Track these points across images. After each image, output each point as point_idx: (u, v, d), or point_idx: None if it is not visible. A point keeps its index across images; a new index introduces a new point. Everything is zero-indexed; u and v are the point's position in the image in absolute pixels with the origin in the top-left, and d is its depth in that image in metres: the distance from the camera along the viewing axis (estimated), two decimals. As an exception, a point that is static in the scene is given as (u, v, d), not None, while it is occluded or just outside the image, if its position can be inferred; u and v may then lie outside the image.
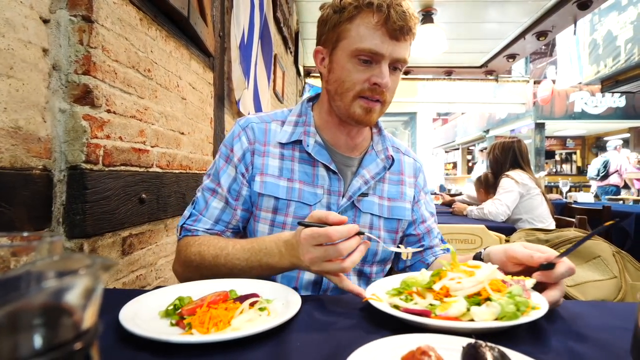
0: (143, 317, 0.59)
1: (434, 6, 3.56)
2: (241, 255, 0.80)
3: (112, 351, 0.51)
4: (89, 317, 0.24)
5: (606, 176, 7.63)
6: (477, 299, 0.60)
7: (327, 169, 0.92)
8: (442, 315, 0.57)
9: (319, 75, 1.00)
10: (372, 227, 0.95)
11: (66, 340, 0.22)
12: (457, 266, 0.69)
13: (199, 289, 0.71)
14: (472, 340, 0.44)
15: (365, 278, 0.97)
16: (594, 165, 8.22)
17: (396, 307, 0.62)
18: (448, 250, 1.12)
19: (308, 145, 0.92)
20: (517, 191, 2.57)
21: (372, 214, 0.95)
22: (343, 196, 0.93)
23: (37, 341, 0.21)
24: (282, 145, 0.94)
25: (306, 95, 3.64)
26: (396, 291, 0.68)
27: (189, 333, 0.54)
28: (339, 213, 0.89)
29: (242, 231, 0.99)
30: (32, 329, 0.21)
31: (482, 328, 0.55)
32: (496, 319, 0.56)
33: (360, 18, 0.82)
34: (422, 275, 0.70)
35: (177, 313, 0.60)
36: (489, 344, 0.43)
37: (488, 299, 0.60)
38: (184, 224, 0.93)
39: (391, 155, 0.98)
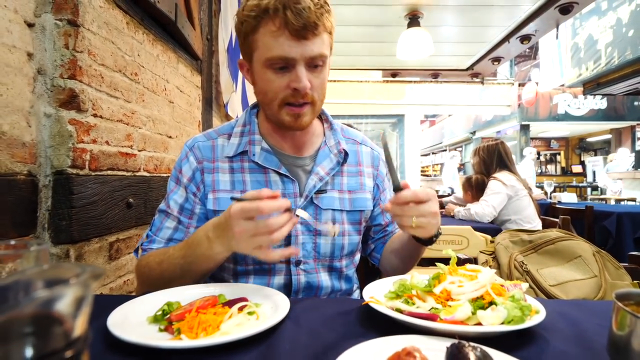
0: (132, 323, 0.59)
1: (421, 10, 3.61)
2: (179, 253, 0.81)
3: (102, 358, 0.51)
4: (79, 325, 0.24)
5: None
6: (481, 302, 0.61)
7: (279, 173, 0.91)
8: (448, 319, 0.57)
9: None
10: (335, 221, 0.95)
11: (57, 348, 0.23)
12: (456, 270, 0.70)
13: (187, 294, 0.72)
14: (456, 341, 0.45)
15: (336, 272, 0.97)
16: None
17: (399, 310, 0.62)
18: None
19: (254, 155, 0.91)
20: (505, 193, 2.61)
21: (333, 210, 0.95)
22: (300, 197, 0.92)
23: (29, 350, 0.22)
24: (230, 158, 0.93)
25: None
26: (394, 294, 0.68)
27: (178, 338, 0.54)
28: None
29: None
30: (24, 338, 0.22)
31: (491, 332, 0.55)
32: (502, 323, 0.57)
33: (262, 27, 0.80)
34: (413, 279, 0.71)
35: (166, 318, 0.60)
36: (471, 344, 0.44)
37: (492, 302, 0.61)
38: (140, 244, 0.94)
39: (343, 149, 0.97)
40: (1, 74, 0.82)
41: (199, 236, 0.78)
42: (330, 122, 1.03)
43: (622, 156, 7.63)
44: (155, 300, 0.68)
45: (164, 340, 0.53)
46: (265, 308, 0.66)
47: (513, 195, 2.62)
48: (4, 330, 0.20)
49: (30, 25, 0.91)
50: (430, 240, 0.87)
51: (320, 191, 0.94)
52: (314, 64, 0.83)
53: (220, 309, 0.62)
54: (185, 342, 0.52)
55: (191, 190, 0.92)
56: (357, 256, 1.04)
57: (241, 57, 0.92)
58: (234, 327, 0.56)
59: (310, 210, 0.93)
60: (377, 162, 1.06)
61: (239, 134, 0.96)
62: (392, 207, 0.76)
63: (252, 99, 2.91)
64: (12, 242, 0.39)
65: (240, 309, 0.62)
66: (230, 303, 0.64)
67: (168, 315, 0.61)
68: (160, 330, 0.59)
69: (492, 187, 2.65)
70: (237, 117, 2.45)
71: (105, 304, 0.70)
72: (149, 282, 0.86)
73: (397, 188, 0.77)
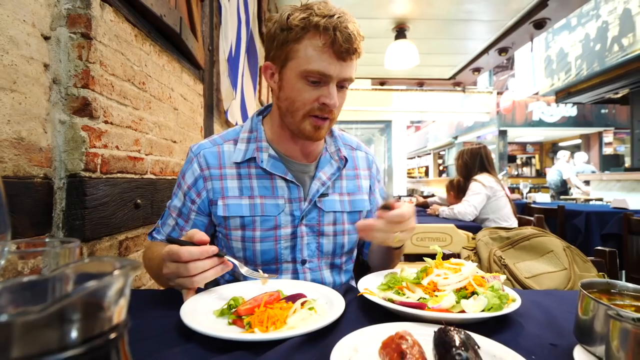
0: (201, 316, 0.60)
1: (407, 23, 3.66)
2: (156, 262, 0.83)
3: (176, 348, 0.51)
4: (120, 312, 0.26)
5: (565, 192, 7.59)
6: (464, 292, 0.64)
7: (285, 179, 0.91)
8: (435, 307, 0.60)
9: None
10: (336, 222, 0.96)
11: (103, 331, 0.25)
12: (442, 264, 0.73)
13: (245, 289, 0.72)
14: (442, 326, 0.48)
15: (337, 269, 1.00)
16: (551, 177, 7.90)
17: (391, 300, 0.64)
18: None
19: (262, 161, 0.91)
20: (485, 193, 2.67)
21: (334, 212, 0.96)
22: (305, 200, 0.93)
23: (80, 332, 0.24)
24: (238, 164, 0.92)
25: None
26: (386, 286, 0.71)
27: (251, 331, 0.55)
28: (302, 216, 0.92)
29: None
30: (76, 322, 0.23)
31: (473, 318, 0.59)
32: (483, 310, 0.60)
33: (307, 39, 0.80)
34: (403, 273, 0.74)
35: (234, 312, 0.61)
36: (456, 328, 0.47)
37: (474, 292, 0.64)
38: (152, 231, 0.99)
39: (344, 156, 0.99)
40: (20, 84, 0.83)
41: (160, 255, 0.76)
42: (331, 129, 1.04)
43: (579, 160, 7.75)
44: (217, 295, 0.70)
45: (240, 333, 0.54)
46: (320, 303, 0.67)
47: (492, 195, 2.68)
48: (62, 315, 0.22)
49: (46, 38, 0.92)
50: (397, 248, 0.91)
51: (323, 195, 0.95)
52: (342, 84, 0.85)
53: (284, 304, 0.62)
54: (258, 335, 0.53)
55: (190, 197, 0.92)
56: (355, 253, 1.07)
57: (268, 61, 0.90)
58: (300, 322, 0.57)
59: (314, 213, 0.94)
60: (371, 165, 1.09)
61: (245, 140, 0.94)
62: (379, 225, 0.76)
63: (250, 106, 2.91)
64: (48, 240, 0.40)
65: (302, 304, 0.63)
66: (291, 298, 0.65)
67: (235, 310, 0.61)
68: (229, 323, 0.60)
69: (473, 188, 2.71)
70: (237, 123, 2.46)
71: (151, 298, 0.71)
72: (148, 270, 0.91)
73: (387, 207, 0.77)
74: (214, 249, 0.68)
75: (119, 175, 1.15)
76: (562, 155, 7.38)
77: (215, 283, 0.96)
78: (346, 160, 0.99)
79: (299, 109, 0.85)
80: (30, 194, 0.87)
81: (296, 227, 0.92)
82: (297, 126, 0.88)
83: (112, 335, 0.25)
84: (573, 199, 6.71)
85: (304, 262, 0.93)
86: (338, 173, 0.98)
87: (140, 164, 1.28)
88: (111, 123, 1.10)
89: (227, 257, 0.70)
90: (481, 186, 2.67)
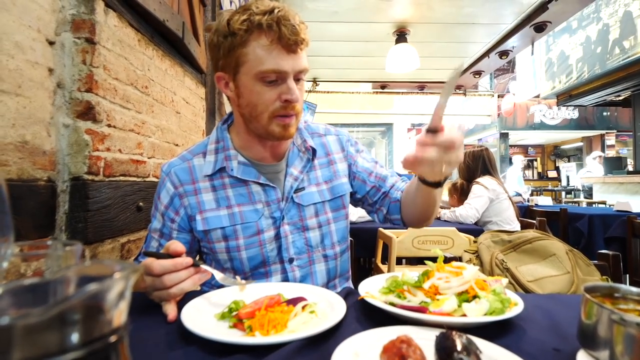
0: (202, 320, 0.60)
1: (408, 27, 3.67)
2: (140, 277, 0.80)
3: (176, 352, 0.51)
4: (121, 315, 0.26)
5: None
6: (466, 296, 0.63)
7: (259, 183, 0.90)
8: (436, 311, 0.59)
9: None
10: (318, 214, 0.95)
11: (103, 334, 0.25)
12: (443, 267, 0.72)
13: (246, 293, 0.71)
14: (444, 330, 0.47)
15: (332, 260, 0.97)
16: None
17: (392, 304, 0.63)
18: (408, 177, 1.13)
19: (232, 170, 0.89)
20: (487, 196, 2.66)
21: (314, 204, 0.94)
22: (282, 200, 0.91)
23: (80, 335, 0.24)
24: (210, 177, 0.90)
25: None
26: (387, 289, 0.70)
27: (252, 335, 0.55)
28: (283, 215, 0.90)
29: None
30: (76, 325, 0.23)
31: (475, 322, 0.58)
32: (485, 315, 0.59)
33: (253, 40, 0.78)
34: (404, 276, 0.73)
35: (234, 316, 0.61)
36: (458, 332, 0.47)
37: (475, 296, 0.63)
38: (137, 255, 0.95)
39: (310, 147, 0.96)
40: (25, 88, 0.84)
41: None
42: None
43: (591, 163, 7.91)
44: (218, 298, 0.69)
45: (240, 337, 0.54)
46: (322, 306, 0.66)
47: (494, 198, 2.67)
48: (62, 318, 0.22)
49: (51, 43, 0.93)
50: (439, 183, 0.85)
51: (298, 190, 0.93)
52: (298, 77, 0.83)
53: (285, 308, 0.62)
54: (259, 339, 0.53)
55: (168, 217, 0.90)
56: (347, 241, 1.03)
57: (220, 72, 0.87)
58: (301, 325, 0.57)
59: (294, 210, 0.92)
60: (344, 145, 1.05)
61: (213, 152, 0.92)
62: (427, 154, 0.71)
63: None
64: (49, 242, 0.40)
65: (303, 307, 0.62)
66: (292, 302, 0.64)
67: (236, 313, 0.61)
68: (230, 327, 0.59)
69: (475, 191, 2.70)
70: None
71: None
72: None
73: (434, 130, 0.71)
74: (187, 260, 0.67)
75: (121, 178, 1.15)
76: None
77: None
78: (314, 150, 0.97)
79: (263, 111, 0.83)
80: (33, 197, 0.87)
81: (279, 228, 0.91)
82: (264, 130, 0.86)
83: (113, 339, 0.25)
84: (576, 202, 6.67)
85: (291, 260, 0.92)
86: (309, 164, 0.96)
87: (142, 167, 1.29)
88: (114, 126, 1.10)
89: (203, 266, 0.69)
90: (483, 189, 2.66)
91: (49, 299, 0.27)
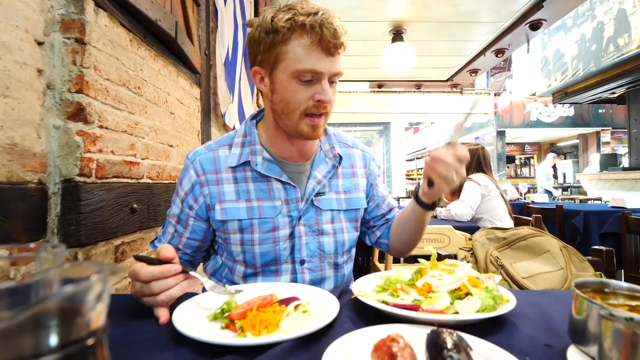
0: (194, 321, 0.59)
1: (404, 26, 3.67)
2: None
3: (167, 353, 0.51)
4: (99, 317, 0.25)
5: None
6: (459, 293, 0.63)
7: (281, 181, 0.91)
8: (429, 309, 0.59)
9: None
10: (333, 221, 0.96)
11: (80, 337, 0.24)
12: (436, 265, 0.72)
13: (240, 295, 0.71)
14: (435, 328, 0.47)
15: (339, 268, 0.99)
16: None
17: (385, 302, 0.63)
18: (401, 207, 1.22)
19: (256, 165, 0.91)
20: (479, 192, 2.67)
21: (331, 210, 0.96)
22: (302, 200, 0.93)
23: (56, 338, 0.23)
24: (233, 169, 0.92)
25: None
26: (381, 288, 0.70)
27: (243, 336, 0.55)
28: (300, 216, 0.92)
29: (205, 253, 1.03)
30: (51, 328, 0.23)
31: (467, 320, 0.58)
32: (477, 312, 0.59)
33: (295, 39, 0.80)
34: (398, 274, 0.73)
35: (226, 316, 0.60)
36: (449, 330, 0.46)
37: (468, 293, 0.63)
38: (153, 239, 1.00)
39: (338, 154, 0.98)
40: (13, 89, 0.83)
41: None
42: (325, 128, 1.04)
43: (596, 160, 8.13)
44: (210, 299, 0.68)
45: (231, 338, 0.54)
46: (314, 306, 0.66)
47: (486, 194, 2.69)
48: (35, 321, 0.22)
49: (40, 44, 0.92)
50: (434, 205, 0.95)
51: (319, 194, 0.95)
52: (332, 80, 0.85)
53: (277, 308, 0.61)
54: (250, 339, 0.52)
55: (187, 204, 0.92)
56: (354, 250, 1.07)
57: (256, 66, 0.89)
58: (293, 325, 0.57)
59: (312, 212, 0.94)
60: (368, 162, 1.09)
61: (240, 145, 0.94)
62: (448, 157, 0.83)
63: (248, 110, 2.91)
64: (33, 245, 0.39)
65: (295, 307, 0.62)
66: (284, 302, 0.64)
67: (228, 314, 0.61)
68: (222, 328, 0.59)
69: (468, 187, 2.72)
70: (234, 127, 2.47)
71: (113, 303, 0.70)
72: None
73: (451, 142, 0.86)
74: (176, 267, 0.66)
75: (114, 180, 1.14)
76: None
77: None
78: (340, 157, 0.99)
79: (295, 109, 0.85)
80: (24, 200, 0.86)
81: (294, 228, 0.92)
82: (294, 127, 0.87)
83: (90, 341, 0.24)
84: (571, 199, 6.71)
85: (302, 262, 0.93)
86: (334, 171, 0.98)
87: (136, 169, 1.28)
88: (106, 128, 1.10)
89: (193, 273, 0.68)
90: (475, 185, 2.69)
91: (27, 302, 0.27)
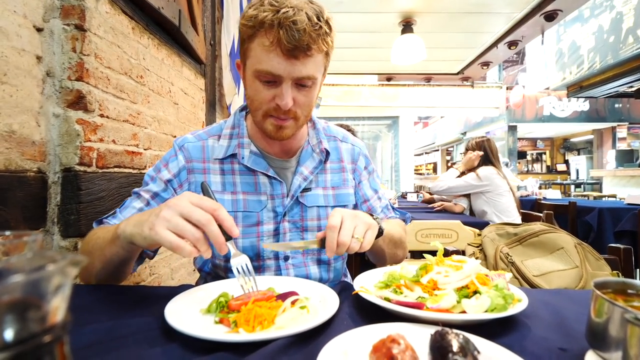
0: (187, 314, 0.57)
1: (414, 17, 3.58)
2: (110, 233, 0.72)
3: (159, 348, 0.49)
4: (58, 312, 0.23)
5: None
6: (466, 291, 0.59)
7: (267, 175, 0.89)
8: (434, 307, 0.56)
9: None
10: (319, 218, 0.92)
11: (35, 333, 0.21)
12: (443, 261, 0.68)
13: (236, 286, 0.67)
14: (439, 328, 0.44)
15: (325, 265, 0.95)
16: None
17: (387, 299, 0.60)
18: (402, 212, 1.13)
19: (243, 158, 0.89)
20: (471, 185, 2.72)
21: (318, 207, 0.93)
22: (287, 196, 0.90)
23: (8, 334, 0.20)
24: (220, 160, 0.90)
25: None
26: (384, 284, 0.67)
27: (235, 331, 0.52)
28: (285, 213, 0.89)
29: None
30: (1, 324, 0.20)
31: (475, 320, 0.54)
32: (486, 311, 0.55)
33: (257, 38, 0.75)
34: (402, 270, 0.69)
35: (223, 310, 0.58)
36: (454, 330, 0.43)
37: (476, 291, 0.59)
38: (103, 218, 0.86)
39: (325, 149, 0.94)
40: (11, 76, 0.81)
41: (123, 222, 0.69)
42: (314, 121, 1.00)
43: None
44: (205, 292, 0.66)
45: (222, 334, 0.51)
46: (314, 301, 0.63)
47: (486, 189, 2.70)
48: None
49: (39, 30, 0.90)
50: (379, 233, 0.80)
51: (305, 189, 0.92)
52: (302, 83, 0.79)
53: (274, 303, 0.59)
54: (242, 335, 0.50)
55: (172, 186, 0.89)
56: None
57: (239, 58, 0.88)
58: (289, 321, 0.54)
59: (297, 209, 0.91)
60: (356, 157, 1.04)
61: (227, 137, 0.92)
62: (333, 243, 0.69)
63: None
64: (8, 233, 0.37)
65: (293, 302, 0.60)
66: (282, 297, 0.62)
67: (223, 306, 0.59)
68: (216, 322, 0.57)
69: (466, 176, 2.80)
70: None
71: (114, 293, 0.69)
72: (87, 255, 0.77)
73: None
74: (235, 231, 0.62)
75: (115, 169, 1.13)
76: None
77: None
78: (327, 152, 0.95)
79: (258, 108, 0.82)
80: (23, 188, 0.85)
81: (279, 224, 0.90)
82: (260, 126, 0.85)
83: (47, 339, 0.22)
84: (585, 195, 6.55)
85: (286, 258, 0.91)
86: (321, 166, 0.95)
87: (138, 159, 1.26)
88: (107, 117, 1.08)
89: (229, 245, 0.64)
90: (474, 177, 2.72)
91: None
